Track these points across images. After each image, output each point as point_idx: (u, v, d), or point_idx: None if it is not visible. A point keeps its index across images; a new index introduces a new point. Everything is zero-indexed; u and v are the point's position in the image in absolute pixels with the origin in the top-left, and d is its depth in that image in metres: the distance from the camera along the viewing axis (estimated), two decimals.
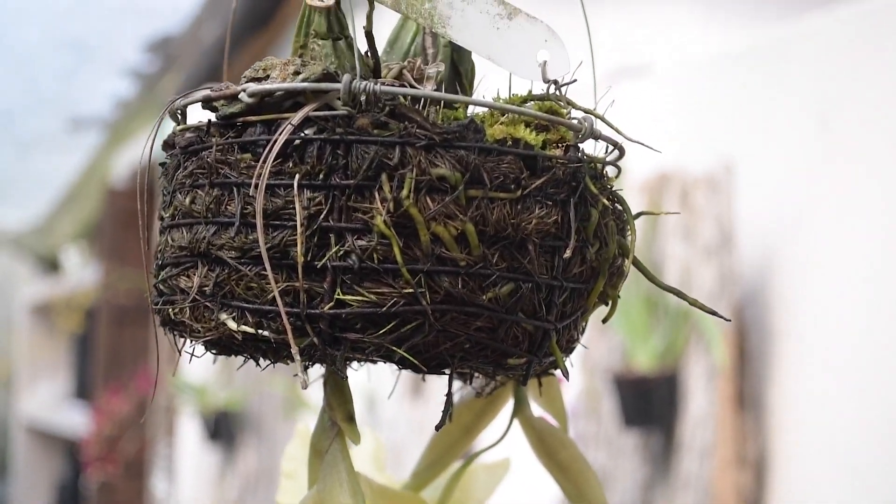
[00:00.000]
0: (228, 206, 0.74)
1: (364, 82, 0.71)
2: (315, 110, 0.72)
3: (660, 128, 2.94)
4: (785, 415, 2.69)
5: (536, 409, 0.93)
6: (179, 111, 0.79)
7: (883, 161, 2.44)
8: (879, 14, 2.50)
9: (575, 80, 0.75)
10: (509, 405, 0.93)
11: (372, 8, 0.74)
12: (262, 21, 5.33)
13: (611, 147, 0.80)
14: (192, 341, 0.78)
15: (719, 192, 2.81)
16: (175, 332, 0.79)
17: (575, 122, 0.76)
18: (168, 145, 0.79)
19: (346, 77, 0.72)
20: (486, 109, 0.77)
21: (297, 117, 0.71)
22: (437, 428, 0.77)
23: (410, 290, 0.71)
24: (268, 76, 0.75)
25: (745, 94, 2.92)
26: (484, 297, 0.73)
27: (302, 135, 0.72)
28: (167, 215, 0.78)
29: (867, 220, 2.48)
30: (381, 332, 0.72)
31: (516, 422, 0.92)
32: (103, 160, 7.02)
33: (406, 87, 0.76)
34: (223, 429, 4.90)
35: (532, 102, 0.79)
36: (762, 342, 2.71)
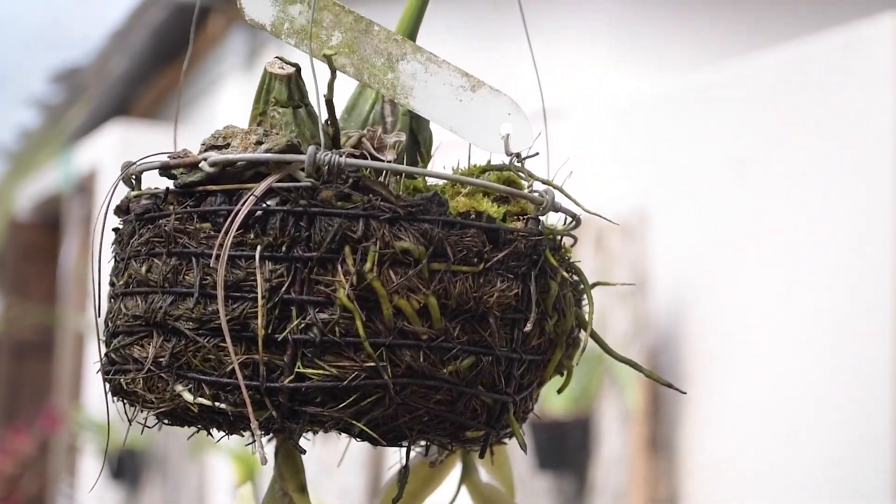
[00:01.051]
0: (187, 276, 0.73)
1: (328, 154, 0.71)
2: (278, 181, 0.71)
3: (574, 172, 2.96)
4: (696, 457, 2.71)
5: (484, 475, 0.93)
6: (134, 177, 0.77)
7: (796, 209, 2.47)
8: (795, 63, 2.54)
9: (537, 154, 0.75)
10: (457, 470, 0.92)
11: (334, 77, 0.74)
12: (168, 57, 5.29)
13: (569, 218, 0.80)
14: (144, 411, 0.76)
15: (634, 238, 2.83)
16: (126, 402, 0.77)
17: (536, 195, 0.76)
18: (122, 211, 0.77)
19: (310, 148, 0.71)
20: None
21: (260, 188, 0.70)
22: (394, 501, 0.76)
23: (372, 364, 0.70)
24: (228, 144, 0.73)
25: (660, 140, 2.95)
26: (445, 370, 0.72)
27: (264, 206, 0.71)
28: (120, 282, 0.76)
29: (779, 267, 2.52)
30: (341, 405, 0.71)
31: (464, 487, 0.92)
32: (6, 191, 6.91)
33: (367, 156, 0.75)
34: (127, 467, 4.83)
35: (490, 173, 0.79)
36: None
